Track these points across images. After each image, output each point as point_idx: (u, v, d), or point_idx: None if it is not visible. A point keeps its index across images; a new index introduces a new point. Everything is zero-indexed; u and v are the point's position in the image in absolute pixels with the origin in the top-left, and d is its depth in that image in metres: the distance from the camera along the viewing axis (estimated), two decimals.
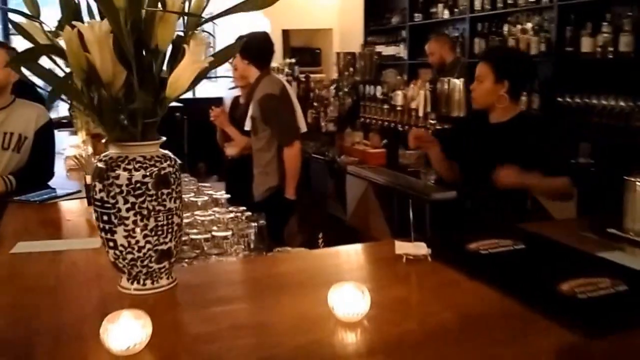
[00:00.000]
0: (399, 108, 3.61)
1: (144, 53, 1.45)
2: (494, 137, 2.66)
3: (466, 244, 1.90)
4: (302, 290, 1.58)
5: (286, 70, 5.44)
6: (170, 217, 1.55)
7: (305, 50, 8.15)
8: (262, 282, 1.66)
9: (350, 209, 4.07)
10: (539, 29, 4.61)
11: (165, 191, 1.52)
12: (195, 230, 2.28)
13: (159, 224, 1.52)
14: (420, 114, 3.41)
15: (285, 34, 8.02)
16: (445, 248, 1.87)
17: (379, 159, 4.16)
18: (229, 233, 2.28)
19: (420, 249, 1.81)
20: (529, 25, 4.73)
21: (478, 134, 2.74)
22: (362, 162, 4.17)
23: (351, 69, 4.75)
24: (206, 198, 2.64)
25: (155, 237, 1.53)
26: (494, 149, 2.62)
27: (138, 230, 1.50)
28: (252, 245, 2.59)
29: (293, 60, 5.73)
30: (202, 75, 1.49)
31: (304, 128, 3.92)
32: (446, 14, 5.83)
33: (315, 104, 5.03)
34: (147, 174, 1.49)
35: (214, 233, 2.27)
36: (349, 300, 1.35)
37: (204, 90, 9.20)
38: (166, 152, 1.61)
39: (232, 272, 1.77)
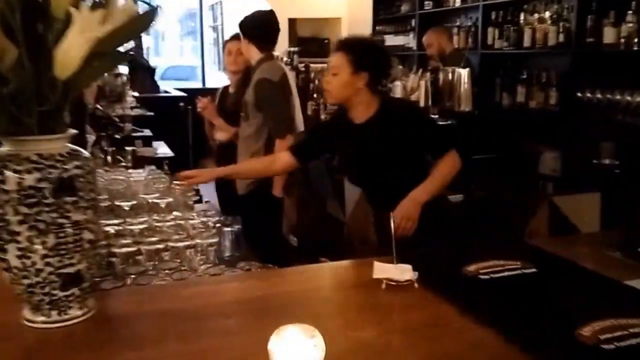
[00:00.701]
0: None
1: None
2: (363, 139, 2.41)
3: (463, 266, 1.55)
4: (245, 328, 1.25)
5: (285, 59, 5.09)
6: (78, 232, 1.22)
7: (312, 40, 7.78)
8: (200, 313, 1.33)
9: (348, 210, 3.72)
10: (558, 18, 4.21)
11: (69, 199, 1.19)
12: (150, 239, 1.95)
13: (62, 240, 1.19)
14: (422, 104, 3.05)
15: (292, 23, 7.66)
16: (435, 271, 1.52)
17: None
18: (188, 243, 1.95)
19: (404, 272, 1.46)
20: (547, 14, 4.33)
21: (345, 139, 2.49)
22: None
23: None
24: (171, 200, 2.31)
25: (58, 258, 1.20)
26: (369, 153, 2.42)
27: (35, 248, 1.17)
28: (225, 254, 2.28)
29: (294, 49, 5.37)
30: (109, 52, 1.15)
31: (300, 127, 3.58)
32: (458, 2, 5.43)
33: (315, 95, 4.68)
34: (43, 177, 1.15)
35: (170, 243, 1.94)
36: (294, 349, 1.01)
37: (216, 80, 8.91)
38: (78, 149, 1.27)
39: (169, 298, 1.44)
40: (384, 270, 1.47)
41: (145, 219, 2.12)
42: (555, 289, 1.45)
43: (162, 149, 4.97)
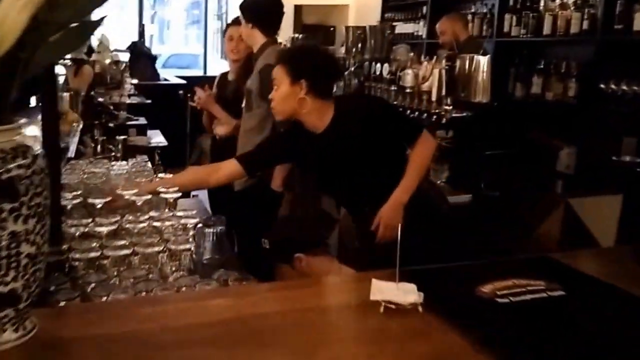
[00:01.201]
0: (408, 90, 2.99)
1: None
2: (328, 149, 2.27)
3: (477, 285, 1.30)
4: None
5: (289, 46, 4.83)
6: (15, 245, 0.99)
7: (318, 28, 7.52)
8: (158, 340, 1.09)
9: (343, 208, 3.47)
10: (583, 4, 3.93)
11: (7, 207, 0.96)
12: (117, 243, 1.72)
13: None
14: (434, 97, 2.79)
15: (298, 10, 7.40)
16: (444, 292, 1.27)
17: None
18: (159, 248, 1.72)
19: (407, 293, 1.22)
20: (570, 0, 4.06)
21: (307, 152, 2.34)
22: None
23: (359, 46, 4.13)
24: (149, 197, 2.07)
25: None
26: (337, 162, 2.29)
27: None
28: (205, 256, 2.04)
29: (296, 36, 5.11)
30: (69, 24, 0.92)
31: None
32: None
33: None
34: None
35: (139, 248, 1.70)
36: None
37: (217, 68, 8.68)
38: (27, 145, 1.04)
39: (124, 318, 1.20)
40: (383, 290, 1.23)
41: (116, 218, 1.89)
42: (593, 324, 1.20)
43: (157, 138, 4.75)
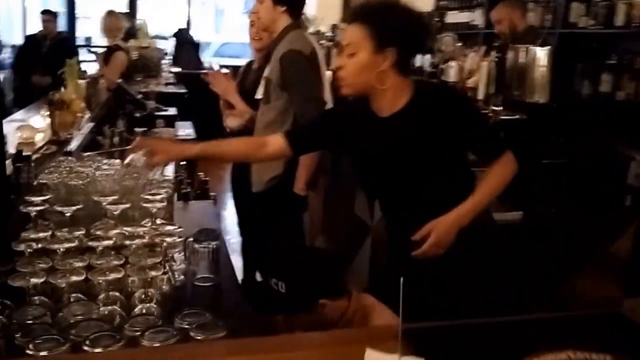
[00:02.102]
0: (451, 84, 2.58)
1: None
2: (390, 138, 1.82)
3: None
4: None
5: (328, 34, 4.47)
6: None
7: None
8: None
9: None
10: None
11: None
12: (72, 266, 1.40)
13: None
14: (480, 95, 2.37)
15: None
16: None
17: None
18: (118, 275, 1.39)
19: None
20: None
21: (365, 136, 1.88)
22: None
23: None
24: (127, 205, 1.74)
25: None
26: (396, 155, 1.84)
27: None
28: (194, 280, 1.72)
29: (342, 25, 4.72)
30: None
31: None
32: None
33: None
34: None
35: (91, 275, 1.38)
36: None
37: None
38: None
39: None
40: None
41: (81, 232, 1.58)
42: None
43: (185, 131, 4.46)
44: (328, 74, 3.04)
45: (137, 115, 4.25)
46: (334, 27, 4.46)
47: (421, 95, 1.80)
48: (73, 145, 2.73)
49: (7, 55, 6.62)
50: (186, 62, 7.23)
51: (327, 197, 3.97)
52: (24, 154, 1.91)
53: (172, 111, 4.75)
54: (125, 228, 1.63)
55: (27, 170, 1.86)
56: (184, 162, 3.71)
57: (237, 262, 3.35)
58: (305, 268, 1.77)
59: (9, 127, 2.86)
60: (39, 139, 2.75)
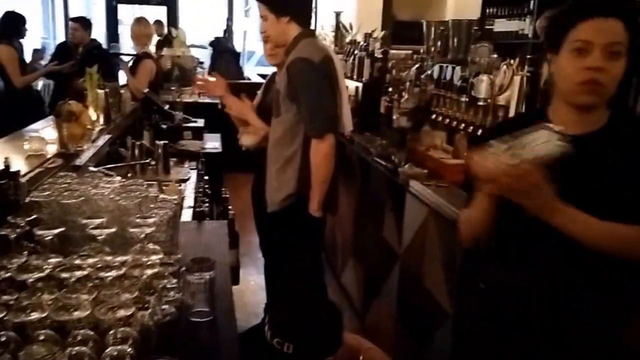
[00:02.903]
0: (481, 102, 2.36)
1: None
2: (584, 164, 1.43)
3: None
4: None
5: (362, 43, 4.29)
6: None
7: (412, 25, 6.86)
8: None
9: (406, 240, 2.88)
10: None
11: None
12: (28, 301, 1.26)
13: None
14: (512, 113, 2.15)
15: (387, 4, 6.78)
16: None
17: (458, 174, 2.92)
18: (79, 314, 1.24)
19: None
20: None
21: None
22: (434, 176, 2.94)
23: (438, 45, 3.51)
24: (112, 230, 1.60)
25: None
26: (585, 186, 1.43)
27: None
28: (188, 315, 1.57)
29: (376, 35, 4.55)
30: None
31: (349, 126, 2.79)
32: None
33: (390, 89, 3.84)
34: None
35: (51, 314, 1.23)
36: None
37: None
38: None
39: None
40: None
41: (56, 260, 1.45)
42: None
43: (212, 143, 4.34)
44: (351, 86, 2.83)
45: (164, 126, 4.16)
46: (367, 36, 4.27)
47: (619, 120, 1.52)
48: (82, 159, 2.63)
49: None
50: (224, 71, 7.13)
51: (356, 218, 3.79)
52: (11, 169, 1.79)
53: (200, 122, 4.65)
54: (106, 257, 1.49)
55: (13, 187, 1.74)
56: (207, 177, 3.60)
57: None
58: (315, 326, 1.60)
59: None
60: (50, 151, 2.66)
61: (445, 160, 3.10)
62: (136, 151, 3.45)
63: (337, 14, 5.22)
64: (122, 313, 1.25)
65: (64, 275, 1.37)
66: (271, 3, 2.57)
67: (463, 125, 2.56)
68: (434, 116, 2.92)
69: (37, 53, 6.72)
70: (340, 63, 2.79)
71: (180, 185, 3.12)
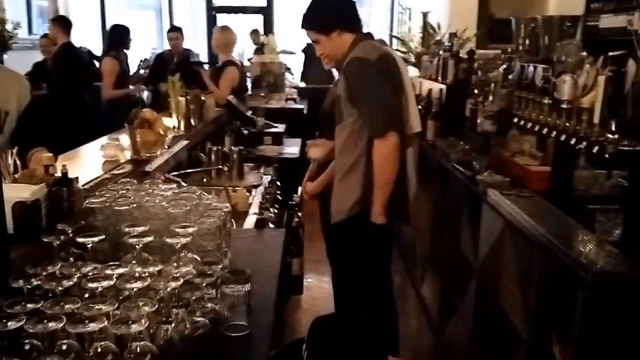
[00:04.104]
0: (564, 105, 2.12)
1: None
2: None
3: None
4: None
5: (446, 43, 4.09)
6: None
7: (508, 23, 6.52)
8: None
9: (481, 254, 2.67)
10: None
11: None
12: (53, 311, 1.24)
13: None
14: (596, 118, 1.90)
15: (483, 2, 6.49)
16: None
17: (543, 182, 2.68)
18: (93, 327, 1.20)
19: None
20: None
21: None
22: (518, 184, 2.71)
23: (527, 43, 3.26)
24: (150, 238, 1.57)
25: None
26: None
27: None
28: (223, 328, 1.50)
29: (468, 34, 4.33)
30: None
31: (416, 126, 2.64)
32: None
33: (475, 91, 3.62)
34: None
35: (68, 326, 1.20)
36: None
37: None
38: None
39: None
40: None
41: (89, 269, 1.43)
42: None
43: (291, 148, 4.31)
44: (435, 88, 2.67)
45: (245, 132, 4.19)
46: (452, 36, 4.07)
47: None
48: (153, 165, 2.66)
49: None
50: (314, 78, 7.14)
51: (435, 227, 3.60)
52: (69, 175, 1.82)
53: (281, 128, 4.64)
54: (136, 267, 1.46)
55: (67, 194, 1.76)
56: (279, 183, 3.57)
57: None
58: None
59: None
60: (125, 157, 2.73)
61: (531, 166, 2.86)
62: (213, 156, 3.48)
63: (425, 14, 5.04)
64: (135, 327, 1.20)
65: (91, 285, 1.34)
66: (317, 26, 2.53)
67: (546, 129, 2.33)
68: (515, 119, 2.69)
69: (144, 62, 7.03)
70: (403, 64, 2.66)
71: (249, 192, 3.10)
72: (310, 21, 2.56)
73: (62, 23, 5.34)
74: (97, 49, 7.08)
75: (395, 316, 2.88)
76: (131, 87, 5.61)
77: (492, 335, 2.55)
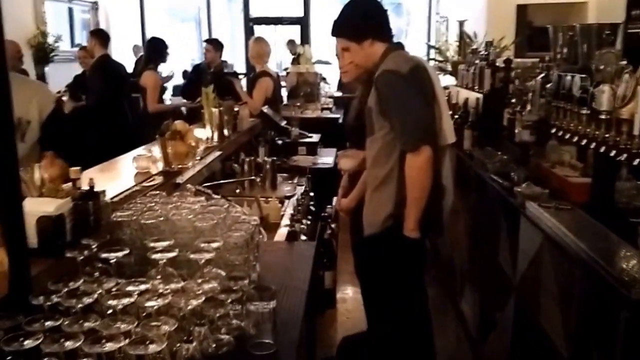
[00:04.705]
0: (603, 116, 2.03)
1: None
2: None
3: None
4: None
5: (482, 52, 4.00)
6: None
7: (546, 31, 6.38)
8: None
9: (520, 269, 2.57)
10: None
11: None
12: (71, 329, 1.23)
13: None
14: (636, 130, 1.81)
15: (521, 10, 6.38)
16: None
17: (583, 194, 2.57)
18: (112, 346, 1.18)
19: None
20: None
21: None
22: (557, 196, 2.61)
23: (564, 51, 3.15)
24: (174, 254, 1.55)
25: None
26: None
27: None
28: (249, 346, 1.47)
29: (505, 42, 4.24)
30: None
31: (451, 138, 2.57)
32: None
33: (513, 100, 3.53)
34: None
35: (83, 345, 1.19)
36: None
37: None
38: None
39: None
40: None
41: (110, 285, 1.42)
42: None
43: (325, 158, 4.28)
44: (472, 97, 2.61)
45: (279, 142, 4.17)
46: (488, 45, 3.98)
47: None
48: (184, 176, 2.66)
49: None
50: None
51: (473, 240, 3.51)
52: (98, 188, 1.82)
53: (315, 138, 4.61)
54: (158, 283, 1.44)
55: (93, 208, 1.76)
56: (312, 194, 3.53)
57: None
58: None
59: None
60: (157, 169, 2.73)
61: (571, 178, 2.76)
62: (246, 167, 3.48)
63: (461, 23, 4.95)
64: (153, 347, 1.18)
65: (111, 302, 1.33)
66: (349, 33, 2.48)
67: (585, 140, 2.23)
68: (553, 130, 2.60)
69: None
70: (435, 73, 2.60)
71: (282, 203, 3.08)
72: (342, 28, 2.52)
73: (100, 36, 5.43)
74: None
75: (431, 333, 2.80)
76: (169, 101, 5.67)
77: (532, 353, 2.45)
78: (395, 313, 2.57)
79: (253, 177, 3.33)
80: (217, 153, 3.28)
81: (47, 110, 2.24)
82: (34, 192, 1.64)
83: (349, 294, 3.93)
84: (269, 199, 3.01)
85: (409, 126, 2.29)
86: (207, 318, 1.45)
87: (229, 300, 1.52)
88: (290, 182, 3.59)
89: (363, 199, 2.62)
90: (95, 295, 1.36)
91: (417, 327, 2.66)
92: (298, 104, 5.91)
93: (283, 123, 4.48)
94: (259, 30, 9.14)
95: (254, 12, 9.36)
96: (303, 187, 3.45)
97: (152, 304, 1.32)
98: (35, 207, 1.53)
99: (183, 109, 5.79)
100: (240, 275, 1.65)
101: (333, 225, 3.13)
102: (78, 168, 1.83)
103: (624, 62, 2.24)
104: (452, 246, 3.89)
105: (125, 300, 1.34)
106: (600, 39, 3.03)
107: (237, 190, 3.36)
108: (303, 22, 9.08)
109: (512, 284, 2.69)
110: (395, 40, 2.60)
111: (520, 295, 2.62)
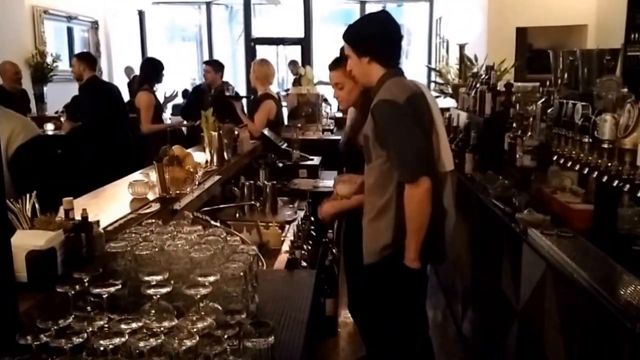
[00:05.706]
0: (605, 145, 2.00)
1: None
2: None
3: None
4: None
5: (483, 76, 3.99)
6: None
7: (546, 53, 6.40)
8: None
9: (523, 297, 2.53)
10: None
11: None
12: None
13: None
14: (639, 162, 1.78)
15: (521, 33, 6.40)
16: None
17: (585, 221, 2.54)
18: None
19: None
20: None
21: None
22: (559, 222, 2.58)
23: (565, 77, 3.14)
24: (168, 289, 1.51)
25: None
26: None
27: None
28: None
29: (506, 65, 4.24)
30: None
31: (449, 165, 2.54)
32: None
33: (514, 125, 3.51)
34: None
35: None
36: None
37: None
38: None
39: None
40: None
41: (101, 323, 1.38)
42: None
43: (327, 182, 4.24)
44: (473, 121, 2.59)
45: (280, 164, 4.15)
46: (489, 69, 3.97)
47: None
48: (182, 203, 2.63)
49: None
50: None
51: (475, 264, 3.47)
52: (91, 217, 1.78)
53: (316, 160, 4.58)
54: (151, 321, 1.40)
55: (86, 239, 1.72)
56: (312, 218, 3.49)
57: None
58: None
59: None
60: (154, 194, 2.69)
61: (572, 204, 2.72)
62: (246, 191, 3.45)
63: (461, 47, 4.95)
64: None
65: (102, 342, 1.29)
66: (353, 41, 2.46)
67: (587, 169, 2.21)
68: (555, 157, 2.57)
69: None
70: (433, 100, 2.58)
71: (282, 228, 3.05)
72: (350, 35, 2.50)
73: (87, 59, 5.37)
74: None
75: (432, 357, 2.76)
76: (169, 120, 5.66)
77: None
78: (394, 338, 2.54)
79: (253, 202, 3.30)
80: (217, 177, 3.25)
81: (16, 141, 2.12)
82: (24, 224, 1.60)
83: (350, 319, 3.87)
84: (269, 225, 2.97)
85: (407, 157, 2.26)
86: (203, 356, 1.41)
87: (226, 337, 1.48)
88: (290, 206, 3.56)
89: (349, 229, 2.59)
90: (86, 335, 1.33)
91: (417, 352, 2.62)
92: (299, 124, 5.90)
93: (284, 145, 4.46)
94: (261, 50, 9.18)
95: (256, 33, 9.40)
96: (304, 212, 3.42)
97: (145, 344, 1.29)
98: (25, 241, 1.49)
99: (184, 128, 5.79)
100: (237, 309, 1.60)
101: (334, 250, 3.08)
102: (70, 198, 1.79)
103: (625, 90, 2.23)
104: (454, 266, 3.85)
105: (117, 340, 1.30)
106: (600, 64, 3.02)
107: (237, 215, 3.32)
108: (304, 43, 9.12)
109: (515, 310, 2.64)
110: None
111: (523, 322, 2.58)
